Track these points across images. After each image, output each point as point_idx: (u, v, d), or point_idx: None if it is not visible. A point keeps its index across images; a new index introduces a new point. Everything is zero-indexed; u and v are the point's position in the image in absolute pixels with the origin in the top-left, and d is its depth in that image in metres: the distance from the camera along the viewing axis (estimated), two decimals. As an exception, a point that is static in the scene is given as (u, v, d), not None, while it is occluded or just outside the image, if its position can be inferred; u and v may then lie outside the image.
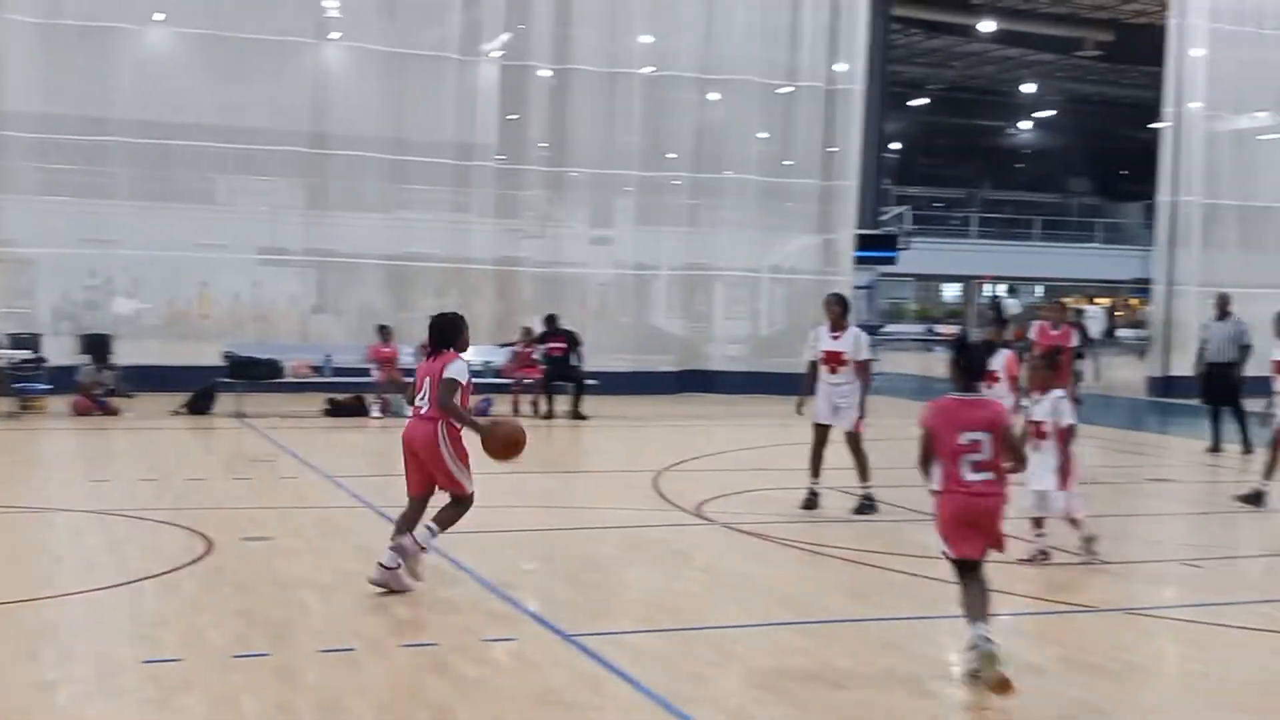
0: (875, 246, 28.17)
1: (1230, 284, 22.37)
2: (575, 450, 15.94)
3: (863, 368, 10.37)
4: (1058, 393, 8.79)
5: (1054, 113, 55.00)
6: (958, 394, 6.24)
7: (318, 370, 18.56)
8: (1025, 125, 57.17)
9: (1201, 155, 24.19)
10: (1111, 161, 56.31)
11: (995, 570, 6.43)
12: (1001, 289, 38.43)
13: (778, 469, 13.54)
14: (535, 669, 6.17)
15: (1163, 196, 24.40)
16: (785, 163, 23.43)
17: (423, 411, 7.53)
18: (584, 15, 21.84)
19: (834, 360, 10.34)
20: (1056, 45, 42.54)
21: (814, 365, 10.50)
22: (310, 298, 22.57)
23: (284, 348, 19.36)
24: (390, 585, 7.40)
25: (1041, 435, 8.69)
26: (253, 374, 17.57)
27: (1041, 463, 8.53)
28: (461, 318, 7.82)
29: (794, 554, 8.98)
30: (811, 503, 10.50)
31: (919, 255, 37.09)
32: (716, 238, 23.25)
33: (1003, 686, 5.79)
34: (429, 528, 7.56)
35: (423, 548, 7.51)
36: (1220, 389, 15.54)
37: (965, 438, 6.09)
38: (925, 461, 6.23)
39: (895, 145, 51.75)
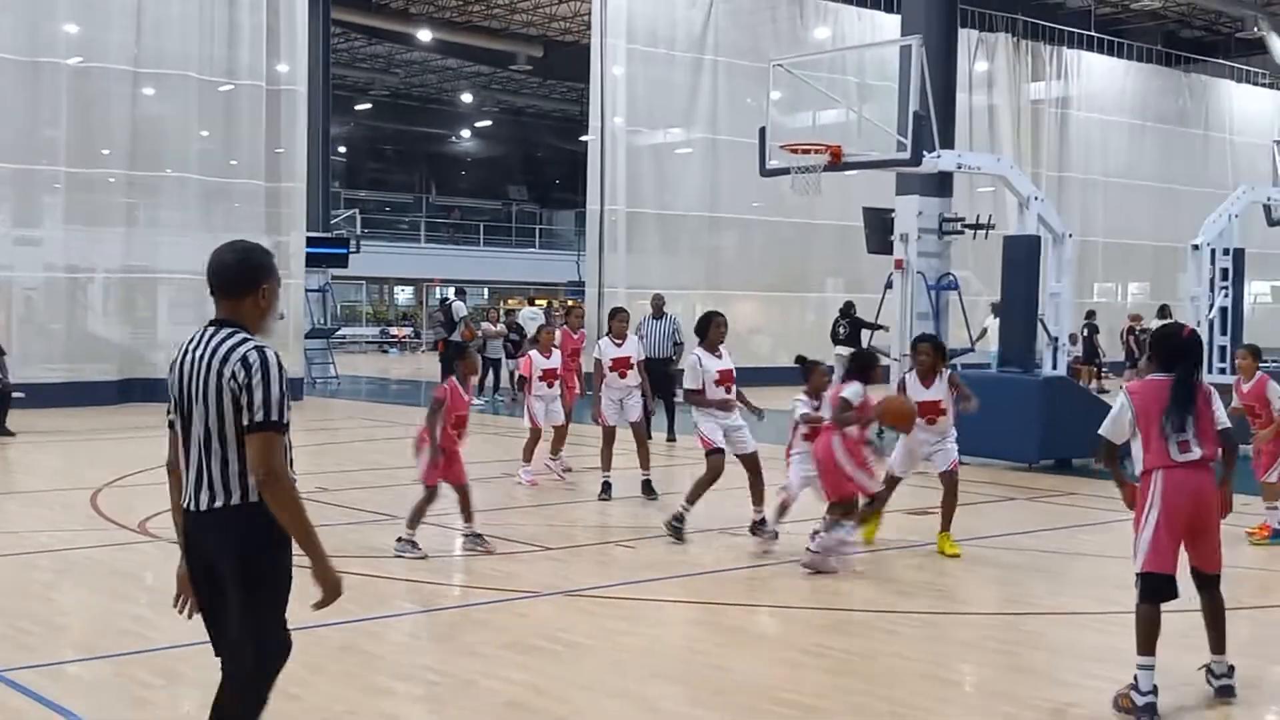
0: (327, 248, 28.07)
1: (652, 285, 24.41)
2: (0, 470, 14.63)
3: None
4: None
5: (491, 123, 57.12)
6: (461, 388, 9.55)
7: None
8: (466, 134, 58.91)
9: (624, 167, 25.98)
10: (546, 171, 59.42)
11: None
12: (451, 292, 39.53)
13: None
14: (-42, 712, 5.68)
15: (592, 205, 25.92)
16: (231, 162, 22.74)
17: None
18: (-1, -1, 20.11)
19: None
20: (492, 58, 44.15)
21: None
22: None
23: None
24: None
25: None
26: None
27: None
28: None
29: (246, 565, 8.80)
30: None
31: (370, 258, 37.25)
32: (158, 239, 22.10)
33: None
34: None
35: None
36: (655, 383, 16.89)
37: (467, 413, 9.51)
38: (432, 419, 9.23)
39: (342, 149, 51.64)
